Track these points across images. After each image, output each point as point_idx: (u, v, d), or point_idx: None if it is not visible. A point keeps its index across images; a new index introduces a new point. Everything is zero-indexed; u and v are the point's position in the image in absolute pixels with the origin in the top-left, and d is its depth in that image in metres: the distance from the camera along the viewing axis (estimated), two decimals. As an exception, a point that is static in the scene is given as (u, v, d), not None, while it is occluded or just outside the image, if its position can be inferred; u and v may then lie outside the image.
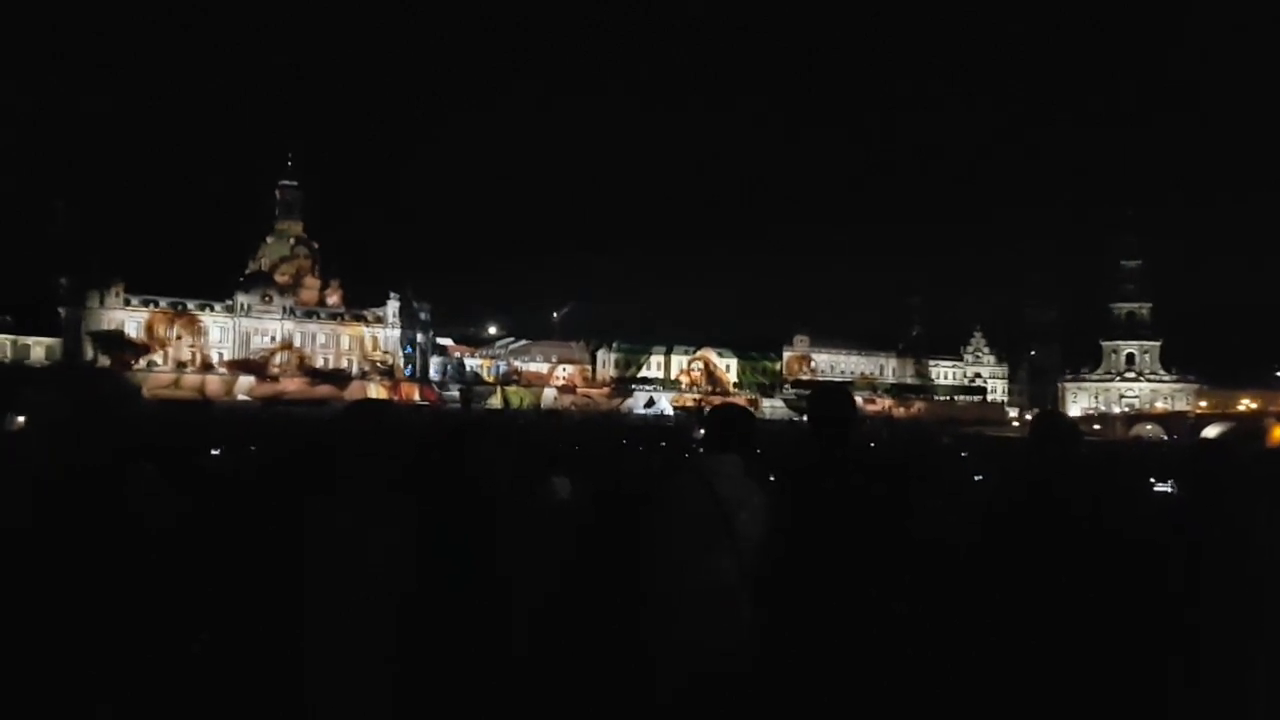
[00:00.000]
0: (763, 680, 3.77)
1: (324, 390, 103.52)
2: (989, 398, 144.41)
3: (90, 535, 3.34)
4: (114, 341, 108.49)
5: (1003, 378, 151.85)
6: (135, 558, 3.45)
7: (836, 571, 3.86)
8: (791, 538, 3.97)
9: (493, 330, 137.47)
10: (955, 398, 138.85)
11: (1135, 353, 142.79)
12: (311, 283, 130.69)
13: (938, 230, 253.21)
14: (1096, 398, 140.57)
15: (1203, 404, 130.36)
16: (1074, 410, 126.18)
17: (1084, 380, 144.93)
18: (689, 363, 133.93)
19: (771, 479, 4.74)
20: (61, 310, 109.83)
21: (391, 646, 3.33)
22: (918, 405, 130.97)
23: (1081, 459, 4.45)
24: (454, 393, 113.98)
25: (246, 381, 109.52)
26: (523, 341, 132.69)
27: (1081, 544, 3.77)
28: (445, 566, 3.42)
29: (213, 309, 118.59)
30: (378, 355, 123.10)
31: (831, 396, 4.42)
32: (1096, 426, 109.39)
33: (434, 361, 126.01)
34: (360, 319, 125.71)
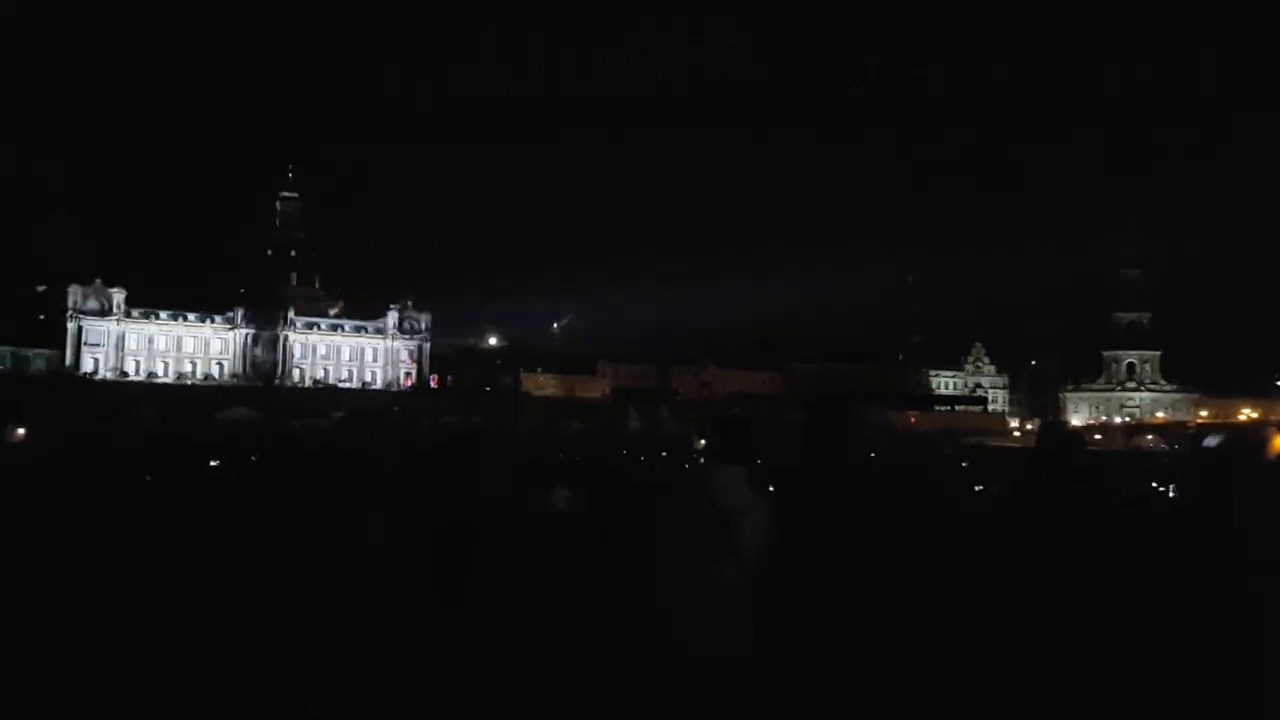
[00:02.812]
0: (765, 685, 3.76)
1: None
2: (990, 408, 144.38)
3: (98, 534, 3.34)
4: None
5: (1003, 387, 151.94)
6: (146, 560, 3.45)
7: (837, 577, 3.85)
8: (792, 546, 3.97)
9: (493, 341, 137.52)
10: (956, 408, 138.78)
11: (1136, 362, 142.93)
12: (312, 294, 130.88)
13: (939, 239, 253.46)
14: (1097, 407, 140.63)
15: (1203, 413, 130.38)
16: (1075, 420, 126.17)
17: (1085, 390, 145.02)
18: (690, 373, 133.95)
19: (772, 488, 4.74)
20: (68, 324, 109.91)
21: (399, 646, 3.33)
22: (918, 416, 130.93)
23: (1084, 465, 4.46)
24: (454, 403, 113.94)
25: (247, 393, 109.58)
26: (523, 352, 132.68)
27: (1086, 544, 3.78)
28: (451, 571, 3.42)
29: (213, 321, 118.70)
30: (378, 366, 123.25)
31: (830, 408, 4.43)
32: (1098, 436, 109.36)
33: (434, 371, 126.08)
34: (361, 330, 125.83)
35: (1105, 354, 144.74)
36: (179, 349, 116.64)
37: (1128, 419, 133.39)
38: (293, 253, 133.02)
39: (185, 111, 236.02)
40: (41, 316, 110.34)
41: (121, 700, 3.33)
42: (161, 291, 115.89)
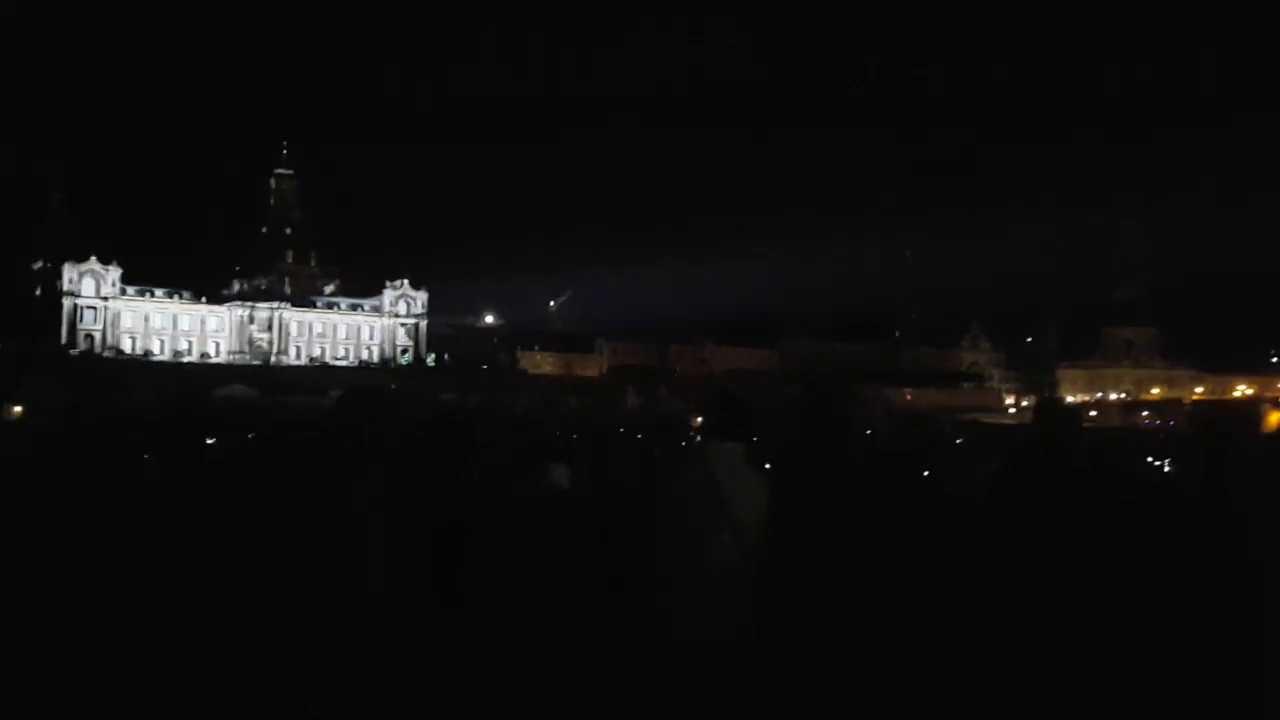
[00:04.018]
0: (763, 667, 3.78)
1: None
2: (986, 384, 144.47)
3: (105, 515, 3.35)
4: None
5: (1000, 364, 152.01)
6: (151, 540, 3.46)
7: (835, 557, 3.87)
8: (790, 525, 3.99)
9: (490, 319, 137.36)
10: (952, 385, 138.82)
11: (1132, 339, 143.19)
12: (308, 272, 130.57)
13: (935, 216, 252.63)
14: (1094, 384, 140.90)
15: (1199, 390, 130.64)
16: (1071, 396, 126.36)
17: (1081, 367, 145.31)
18: (688, 352, 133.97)
19: (769, 466, 4.75)
20: (64, 301, 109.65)
21: (398, 645, 3.34)
22: (914, 393, 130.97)
23: (1081, 440, 4.49)
24: (451, 382, 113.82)
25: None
26: (521, 331, 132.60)
27: (1081, 521, 3.80)
28: (450, 570, 3.43)
29: (209, 298, 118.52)
30: (374, 344, 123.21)
31: (829, 385, 4.45)
32: (1093, 413, 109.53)
33: (431, 350, 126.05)
34: (357, 308, 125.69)
35: (1102, 331, 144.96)
36: (175, 327, 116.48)
37: (1124, 395, 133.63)
38: (288, 230, 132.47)
39: (186, 108, 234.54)
40: (38, 293, 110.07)
41: (119, 697, 3.34)
42: (157, 269, 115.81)
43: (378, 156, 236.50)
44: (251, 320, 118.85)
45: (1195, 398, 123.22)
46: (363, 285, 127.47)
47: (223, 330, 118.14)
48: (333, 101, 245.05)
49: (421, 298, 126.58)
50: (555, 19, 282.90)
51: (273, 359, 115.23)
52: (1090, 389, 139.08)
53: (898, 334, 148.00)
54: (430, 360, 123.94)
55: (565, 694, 3.67)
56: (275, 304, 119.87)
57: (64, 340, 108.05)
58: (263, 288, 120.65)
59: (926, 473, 4.82)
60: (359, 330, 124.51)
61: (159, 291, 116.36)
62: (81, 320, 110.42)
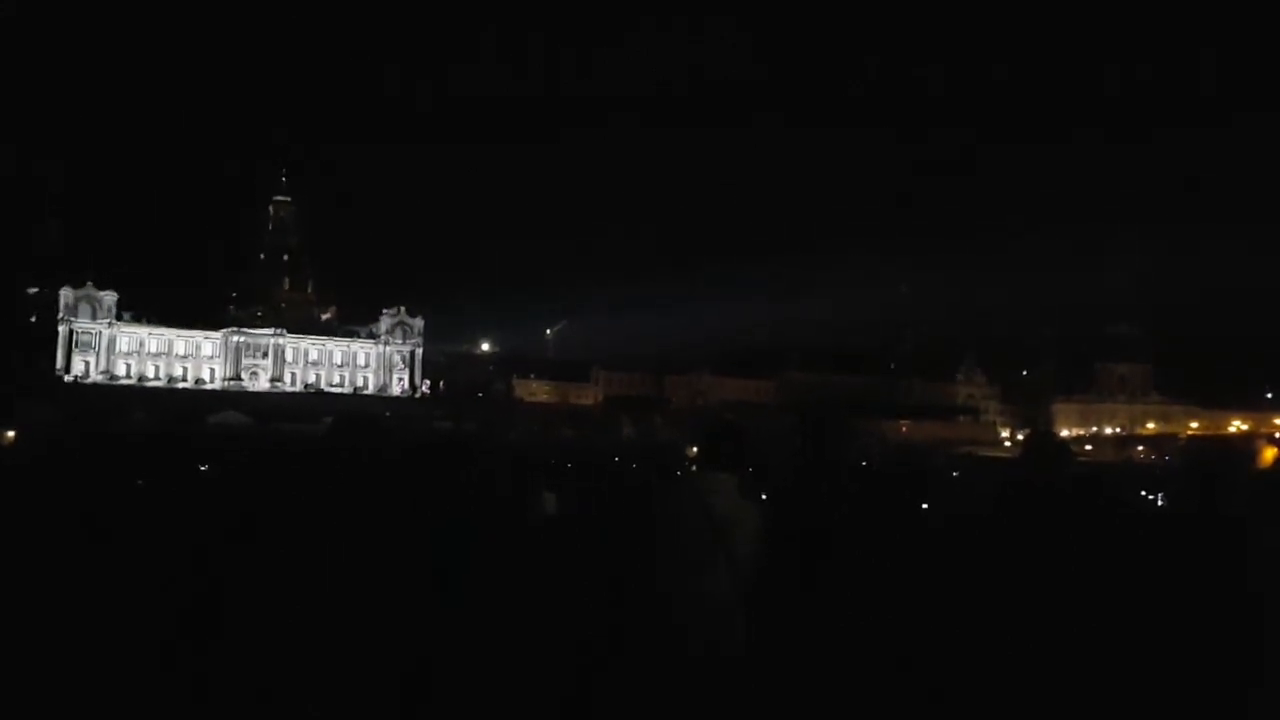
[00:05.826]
0: (757, 687, 3.78)
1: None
2: (981, 418, 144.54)
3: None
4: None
5: (995, 398, 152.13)
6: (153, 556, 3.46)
7: (826, 582, 3.88)
8: (784, 552, 4.01)
9: (486, 346, 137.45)
10: (947, 418, 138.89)
11: (1127, 374, 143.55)
12: (305, 298, 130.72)
13: (931, 249, 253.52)
14: (1088, 419, 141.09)
15: (1194, 425, 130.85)
16: (1065, 431, 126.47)
17: (1076, 401, 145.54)
18: (684, 382, 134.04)
19: (764, 496, 4.77)
20: (60, 326, 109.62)
21: (399, 645, 3.35)
22: (910, 425, 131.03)
23: (1072, 473, 4.50)
24: (446, 409, 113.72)
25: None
26: (516, 359, 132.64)
27: (1072, 548, 3.81)
28: (451, 571, 3.44)
29: (205, 325, 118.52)
30: (370, 371, 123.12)
31: (822, 413, 4.48)
32: (1088, 447, 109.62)
33: (426, 377, 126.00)
34: (353, 334, 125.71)
35: (1097, 365, 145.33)
36: (170, 352, 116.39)
37: (1118, 430, 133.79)
38: (285, 257, 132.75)
39: (184, 112, 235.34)
40: (33, 319, 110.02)
41: (122, 701, 3.34)
42: (154, 294, 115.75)
43: (377, 157, 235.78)
44: (247, 346, 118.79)
45: (1190, 433, 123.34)
46: (360, 310, 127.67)
47: (218, 356, 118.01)
48: (333, 101, 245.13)
49: (418, 324, 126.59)
50: (555, 19, 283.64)
51: (268, 385, 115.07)
52: (1085, 424, 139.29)
53: (893, 366, 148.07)
54: (426, 386, 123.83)
55: (563, 691, 3.67)
56: (271, 331, 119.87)
57: (59, 365, 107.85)
58: (259, 315, 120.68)
59: (925, 505, 4.84)
60: (354, 357, 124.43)
61: (154, 317, 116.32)
62: (77, 345, 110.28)
